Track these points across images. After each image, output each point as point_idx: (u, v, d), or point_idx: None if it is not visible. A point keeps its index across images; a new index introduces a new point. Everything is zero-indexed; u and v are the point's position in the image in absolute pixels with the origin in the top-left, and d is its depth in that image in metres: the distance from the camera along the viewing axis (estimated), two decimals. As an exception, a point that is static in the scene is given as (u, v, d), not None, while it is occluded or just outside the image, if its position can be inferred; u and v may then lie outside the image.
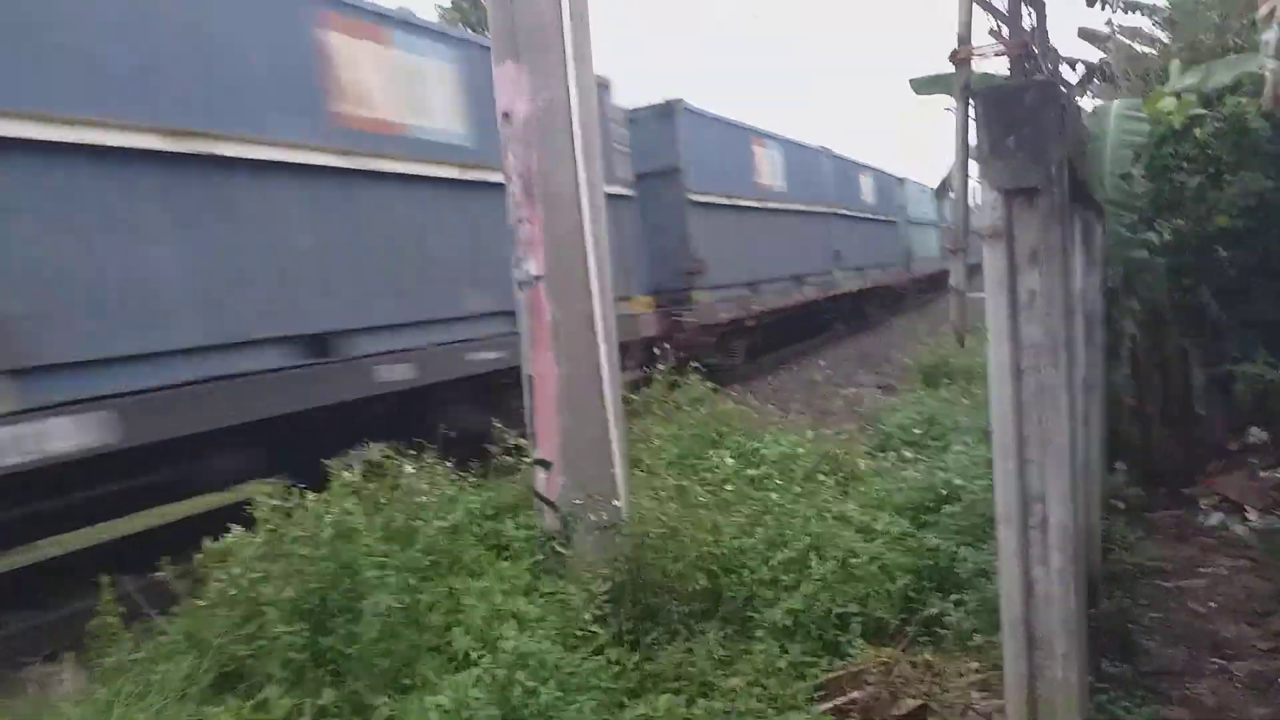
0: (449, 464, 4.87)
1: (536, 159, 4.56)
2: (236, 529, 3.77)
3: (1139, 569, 4.95)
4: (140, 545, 7.03)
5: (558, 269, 4.60)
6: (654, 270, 12.11)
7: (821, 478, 5.78)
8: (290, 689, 3.21)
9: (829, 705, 3.55)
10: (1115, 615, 4.28)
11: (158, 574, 3.96)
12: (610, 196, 10.78)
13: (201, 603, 3.57)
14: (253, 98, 5.90)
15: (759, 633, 3.93)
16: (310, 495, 3.94)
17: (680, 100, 13.28)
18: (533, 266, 4.61)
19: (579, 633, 3.68)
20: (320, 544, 3.59)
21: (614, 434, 4.67)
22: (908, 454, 6.43)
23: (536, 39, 4.52)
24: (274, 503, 3.84)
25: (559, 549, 4.36)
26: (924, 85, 7.03)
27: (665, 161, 12.95)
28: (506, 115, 4.61)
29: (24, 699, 3.32)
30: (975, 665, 3.75)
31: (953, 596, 4.18)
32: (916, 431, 7.47)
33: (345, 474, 4.16)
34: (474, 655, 3.53)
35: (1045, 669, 2.77)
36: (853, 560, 4.36)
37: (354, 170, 6.61)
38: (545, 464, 4.63)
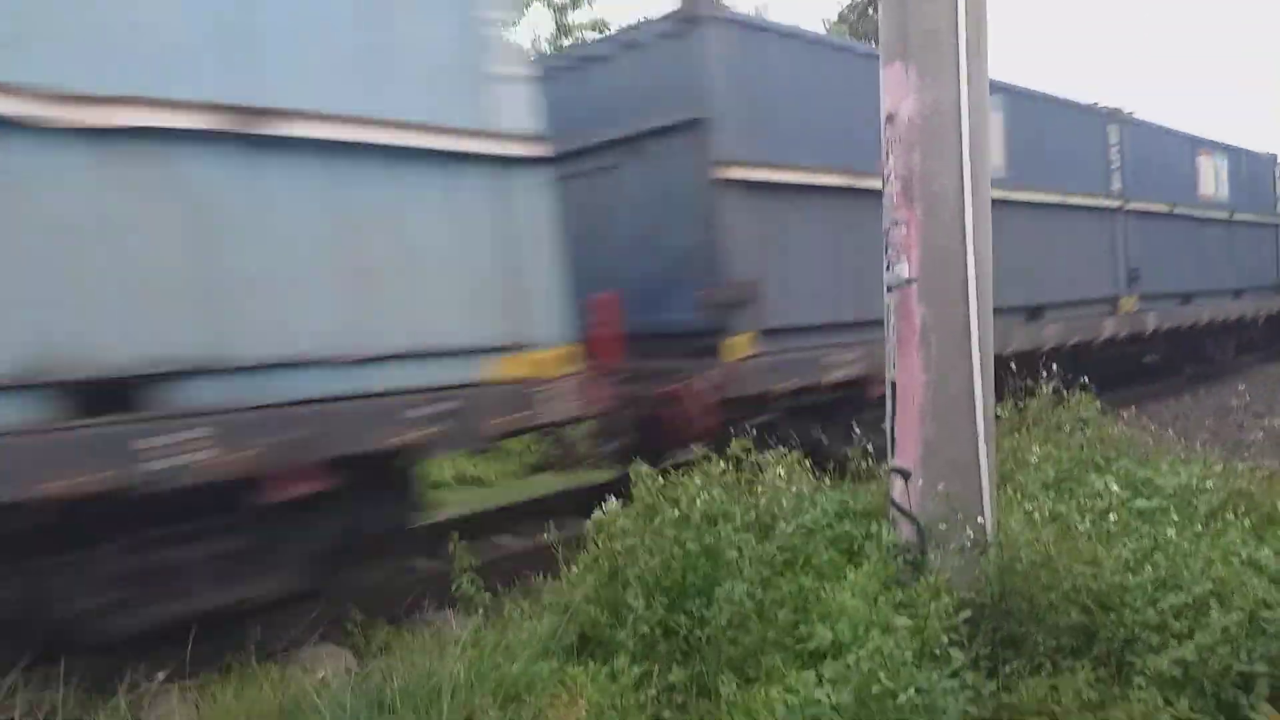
0: (808, 463, 4.88)
1: (919, 160, 4.43)
2: (613, 502, 4.05)
3: None
4: (532, 512, 7.82)
5: (933, 272, 4.44)
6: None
7: (1230, 517, 5.10)
8: (640, 660, 3.39)
9: (1219, 771, 3.13)
10: None
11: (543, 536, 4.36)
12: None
13: (574, 568, 3.88)
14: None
15: (1138, 680, 3.54)
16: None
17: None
18: (905, 269, 4.49)
19: (936, 652, 3.53)
20: (688, 525, 3.76)
21: (983, 449, 4.42)
22: (1343, 498, 5.48)
23: (927, 39, 4.39)
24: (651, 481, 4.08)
25: (913, 562, 4.22)
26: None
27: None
28: (890, 117, 4.53)
29: (422, 637, 3.79)
30: None
31: (1389, 667, 3.52)
32: (1355, 474, 6.37)
33: (708, 463, 4.32)
34: (835, 650, 3.50)
35: None
36: (1264, 614, 3.80)
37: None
38: (905, 473, 4.49)
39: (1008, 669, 3.64)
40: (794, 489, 4.56)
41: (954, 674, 3.48)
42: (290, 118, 4.59)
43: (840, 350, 7.86)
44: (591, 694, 3.14)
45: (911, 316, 4.47)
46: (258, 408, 4.45)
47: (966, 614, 3.73)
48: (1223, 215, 15.74)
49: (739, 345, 7.18)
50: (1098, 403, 7.08)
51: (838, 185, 7.82)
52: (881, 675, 3.04)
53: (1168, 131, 14.09)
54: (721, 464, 4.40)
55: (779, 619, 3.79)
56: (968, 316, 4.42)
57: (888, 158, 4.57)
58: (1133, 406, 9.85)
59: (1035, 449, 6.00)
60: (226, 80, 4.43)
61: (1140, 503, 5.29)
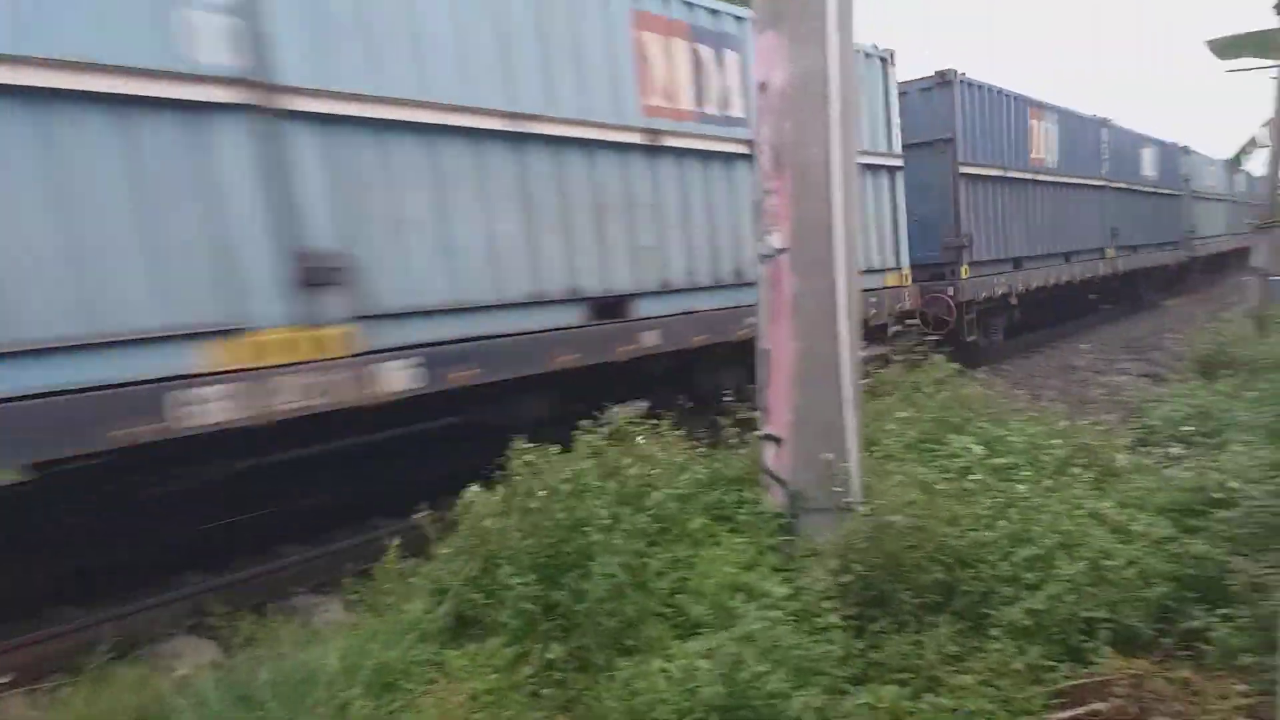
0: (680, 432, 4.93)
1: (790, 129, 4.48)
2: (477, 486, 4.00)
3: None
4: (403, 494, 7.67)
5: (802, 242, 4.51)
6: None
7: (1075, 471, 5.40)
8: (520, 639, 3.37)
9: (1067, 714, 3.33)
10: None
11: (415, 518, 4.27)
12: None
13: (446, 550, 3.82)
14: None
15: (995, 631, 3.73)
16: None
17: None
18: (776, 239, 4.55)
19: (814, 616, 3.63)
20: (556, 500, 3.74)
21: (849, 413, 4.55)
22: (1175, 450, 5.88)
23: (799, 7, 4.43)
24: (527, 459, 4.03)
25: (785, 527, 4.32)
26: (1226, 48, 6.26)
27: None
28: (763, 85, 4.56)
29: (291, 626, 3.67)
30: (1242, 688, 3.40)
31: (1220, 610, 3.80)
32: (1186, 427, 6.84)
33: (587, 436, 4.30)
34: (705, 623, 3.56)
35: (1331, 705, 2.47)
36: (1105, 562, 4.05)
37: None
38: (776, 439, 4.59)
39: (875, 627, 3.77)
40: (668, 460, 4.59)
41: (826, 634, 3.59)
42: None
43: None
44: (469, 676, 3.11)
45: (782, 286, 4.54)
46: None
47: (848, 578, 3.85)
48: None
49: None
50: (952, 365, 7.41)
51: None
52: (750, 656, 3.10)
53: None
54: (597, 436, 4.39)
55: (656, 589, 3.83)
56: (835, 285, 4.52)
57: (760, 127, 4.61)
58: (985, 367, 10.37)
59: (897, 411, 6.22)
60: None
61: (995, 461, 5.55)
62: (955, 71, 12.79)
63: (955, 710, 3.26)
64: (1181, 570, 4.13)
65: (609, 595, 3.52)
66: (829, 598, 3.78)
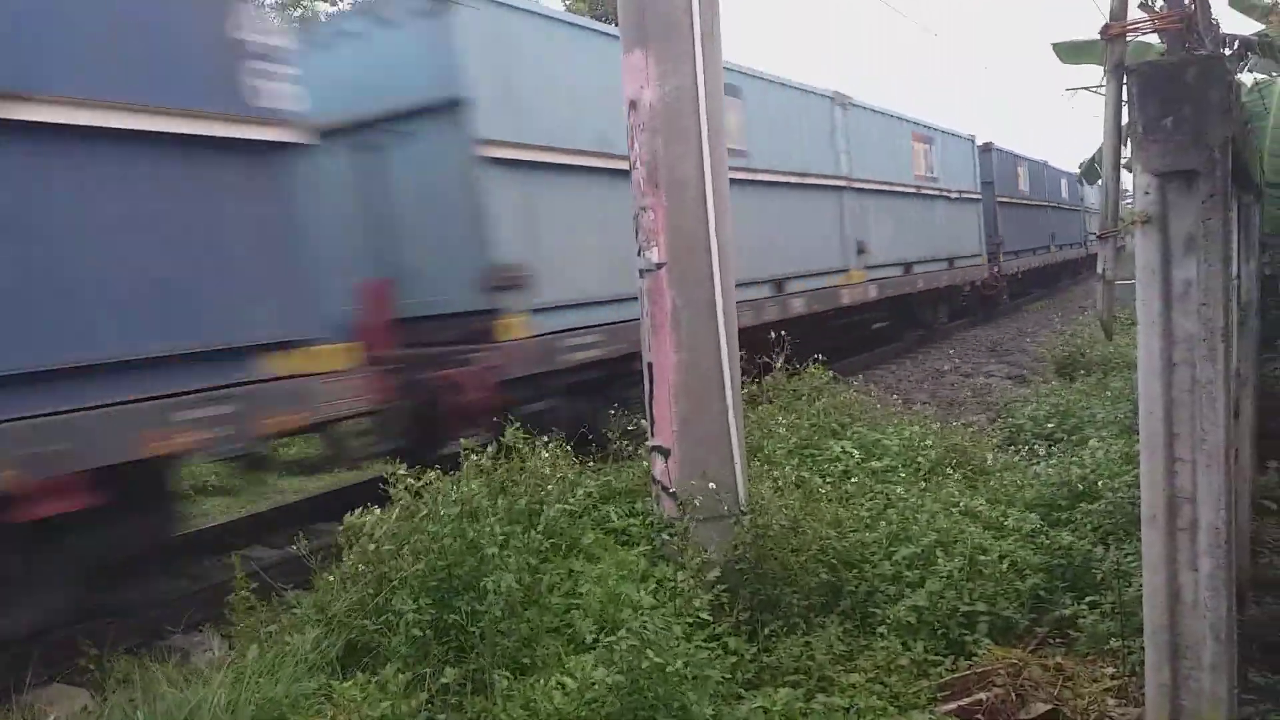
0: (569, 447, 4.91)
1: (662, 146, 4.54)
2: (365, 508, 3.89)
3: (1293, 576, 4.65)
4: (282, 521, 7.38)
5: (680, 256, 4.57)
6: None
7: (948, 471, 5.63)
8: (414, 664, 3.29)
9: (953, 706, 3.44)
10: (1266, 623, 4.03)
11: (293, 548, 4.12)
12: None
13: (332, 577, 3.70)
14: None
15: (881, 629, 3.85)
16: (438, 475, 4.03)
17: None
18: (655, 254, 4.60)
19: (692, 621, 3.66)
20: (446, 522, 3.67)
21: (733, 422, 4.63)
22: (1039, 448, 6.20)
23: (665, 27, 4.49)
24: (408, 481, 3.94)
25: (675, 536, 4.35)
26: (1068, 53, 6.61)
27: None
28: (633, 104, 4.61)
29: (168, 666, 3.49)
30: (1111, 671, 3.59)
31: (1088, 598, 4.01)
32: (1049, 425, 7.21)
33: (474, 456, 4.23)
34: (590, 639, 3.55)
35: (1190, 679, 2.63)
36: (980, 557, 4.23)
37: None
38: (663, 451, 4.62)
39: (767, 631, 3.83)
40: (558, 474, 4.56)
41: (715, 639, 3.62)
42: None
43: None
44: (360, 707, 3.01)
45: (663, 299, 4.58)
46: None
47: (717, 577, 3.89)
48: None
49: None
50: (828, 373, 7.62)
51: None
52: (649, 652, 3.10)
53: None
54: (486, 455, 4.33)
55: (550, 605, 3.79)
56: (714, 297, 4.59)
57: (633, 144, 4.65)
58: (860, 374, 10.68)
59: (779, 419, 6.36)
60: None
61: (873, 464, 5.73)
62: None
63: (847, 709, 3.34)
64: (1051, 561, 4.35)
65: (503, 614, 3.47)
66: (718, 604, 3.82)
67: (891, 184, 14.82)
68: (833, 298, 12.46)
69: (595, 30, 8.63)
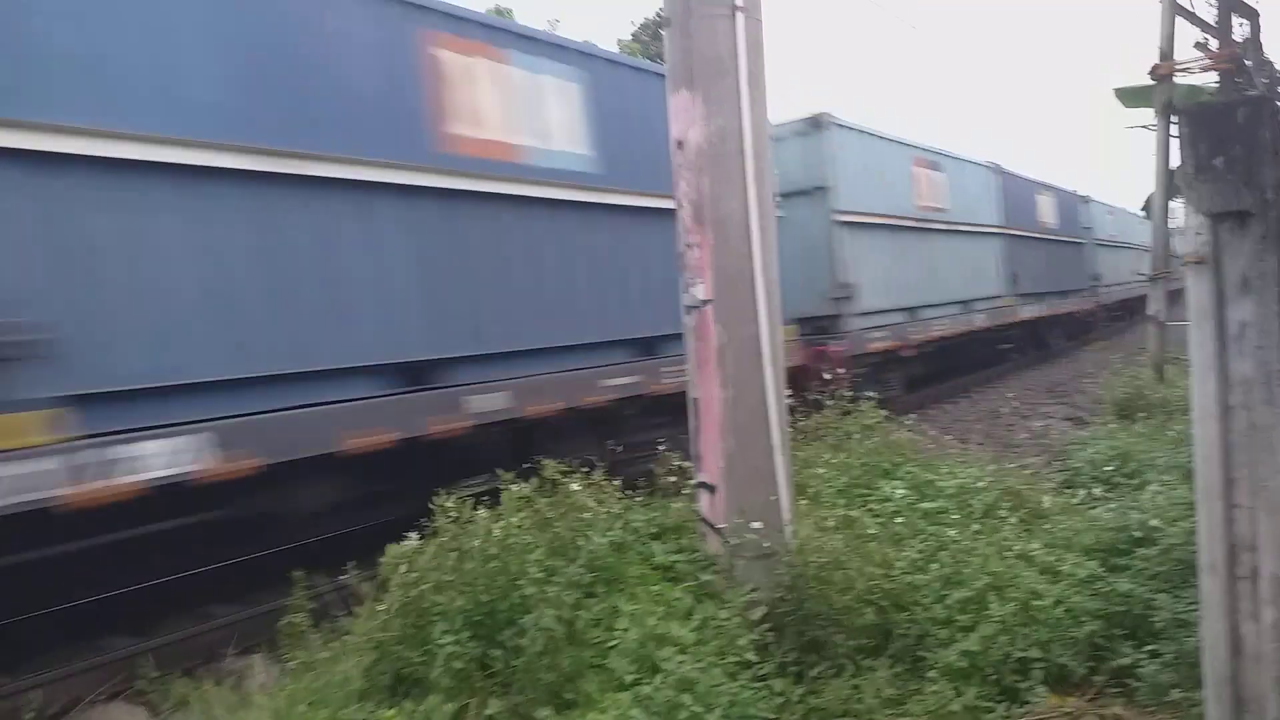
0: (616, 481, 4.91)
1: (708, 185, 4.57)
2: (412, 538, 3.92)
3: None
4: (335, 549, 7.45)
5: (726, 293, 4.58)
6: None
7: (1003, 514, 5.51)
8: (456, 696, 3.29)
9: (1006, 754, 3.36)
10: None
11: (345, 577, 4.17)
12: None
13: (381, 607, 3.73)
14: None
15: (931, 673, 3.77)
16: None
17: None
18: (701, 291, 4.61)
19: (736, 660, 3.62)
20: (489, 557, 3.68)
21: (779, 460, 4.60)
22: (1098, 491, 6.05)
23: (712, 68, 4.54)
24: (452, 515, 3.97)
25: (720, 573, 4.32)
26: (1131, 98, 6.57)
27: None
28: (680, 143, 4.66)
29: (222, 689, 3.54)
30: (1171, 723, 3.47)
31: (1147, 647, 3.89)
32: (1108, 468, 7.04)
33: (515, 488, 4.25)
34: (629, 679, 3.52)
35: (1254, 735, 2.54)
36: (1035, 603, 4.13)
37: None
38: (709, 487, 4.61)
39: (814, 673, 3.77)
40: (604, 510, 4.56)
41: (760, 679, 3.58)
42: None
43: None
44: (404, 737, 3.03)
45: (708, 336, 4.59)
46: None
47: (762, 616, 3.83)
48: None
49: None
50: (880, 411, 7.53)
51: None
52: (687, 699, 3.07)
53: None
54: (528, 488, 4.35)
55: (594, 641, 3.78)
56: (759, 334, 4.59)
57: (679, 182, 4.69)
58: (914, 413, 10.55)
59: (827, 457, 6.29)
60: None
61: (925, 505, 5.64)
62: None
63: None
64: (1109, 608, 4.22)
65: (545, 649, 3.47)
66: (763, 644, 3.77)
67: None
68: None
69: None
